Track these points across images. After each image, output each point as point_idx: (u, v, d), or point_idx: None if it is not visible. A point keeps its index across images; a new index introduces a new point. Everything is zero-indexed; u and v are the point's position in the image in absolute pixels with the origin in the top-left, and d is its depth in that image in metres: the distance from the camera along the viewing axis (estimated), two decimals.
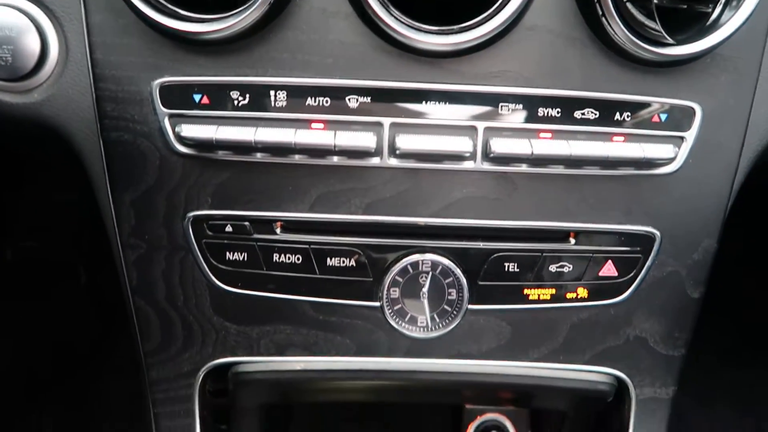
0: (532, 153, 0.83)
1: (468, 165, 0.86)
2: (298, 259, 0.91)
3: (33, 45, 0.84)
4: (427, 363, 0.96)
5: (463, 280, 0.92)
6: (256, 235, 0.90)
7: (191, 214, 0.89)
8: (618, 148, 0.85)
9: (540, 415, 1.26)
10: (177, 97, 0.83)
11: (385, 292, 0.92)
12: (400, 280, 0.92)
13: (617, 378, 1.01)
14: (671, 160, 0.87)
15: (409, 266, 0.91)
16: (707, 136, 0.88)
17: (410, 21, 0.77)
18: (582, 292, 0.94)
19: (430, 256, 0.91)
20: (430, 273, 0.92)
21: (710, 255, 0.95)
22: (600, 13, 0.78)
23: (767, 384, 2.06)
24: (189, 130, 0.83)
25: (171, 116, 0.84)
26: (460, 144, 0.84)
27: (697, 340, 1.03)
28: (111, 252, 0.96)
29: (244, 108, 0.83)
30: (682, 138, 0.87)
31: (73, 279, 2.16)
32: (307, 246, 0.90)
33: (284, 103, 0.83)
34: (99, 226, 0.96)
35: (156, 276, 0.93)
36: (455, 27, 0.78)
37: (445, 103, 0.84)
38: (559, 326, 0.96)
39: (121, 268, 0.94)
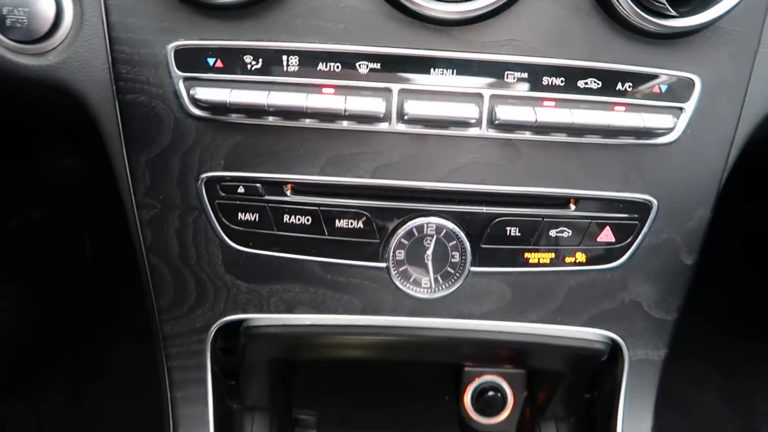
0: (536, 120, 0.86)
1: (473, 131, 0.89)
2: (308, 220, 0.93)
3: (48, 8, 0.85)
4: (429, 322, 1.00)
5: (467, 244, 0.95)
6: (267, 197, 0.93)
7: (204, 175, 0.92)
8: (619, 117, 0.87)
9: (536, 377, 1.30)
10: (191, 60, 0.85)
11: (391, 253, 0.95)
12: (406, 242, 0.95)
13: (612, 340, 1.05)
14: (670, 130, 0.90)
15: (414, 229, 0.94)
16: (706, 108, 0.90)
17: None
18: (580, 257, 0.98)
19: (434, 220, 0.94)
20: (435, 236, 0.94)
21: (704, 223, 0.98)
22: None
23: (754, 356, 2.11)
24: (203, 93, 0.85)
25: (186, 79, 0.86)
26: (467, 110, 0.86)
27: (687, 313, 1.07)
28: (124, 213, 0.99)
29: (257, 72, 0.85)
30: (681, 109, 0.90)
31: (80, 246, 2.18)
32: (316, 208, 0.93)
33: (296, 68, 0.85)
34: (111, 189, 0.98)
35: (170, 235, 0.96)
36: None
37: (453, 70, 0.86)
38: (557, 289, 1.00)
39: (135, 228, 0.97)
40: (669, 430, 1.83)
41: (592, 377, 1.16)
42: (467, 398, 1.32)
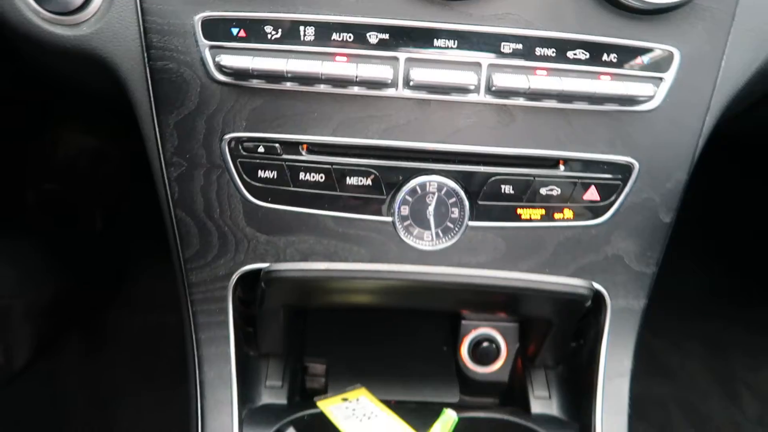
0: (529, 87, 0.93)
1: (472, 97, 0.96)
2: (321, 177, 1.01)
3: None
4: (431, 269, 1.08)
5: (465, 200, 1.03)
6: (284, 156, 1.00)
7: (228, 136, 0.99)
8: (604, 85, 0.95)
9: (527, 330, 1.39)
10: (217, 30, 0.92)
11: (396, 209, 1.03)
12: (410, 199, 1.03)
13: (596, 290, 1.13)
14: (651, 98, 0.97)
15: (417, 187, 1.02)
16: (684, 78, 0.98)
17: None
18: (568, 213, 1.05)
19: (436, 178, 1.02)
20: (436, 193, 1.03)
21: (681, 185, 1.06)
22: None
23: (735, 330, 2.20)
24: (228, 60, 0.92)
25: (211, 47, 0.93)
26: (466, 78, 0.94)
27: (669, 291, 1.12)
28: (150, 174, 1.07)
29: (276, 41, 0.93)
30: (661, 78, 0.97)
31: (94, 216, 2.26)
32: (329, 166, 1.01)
33: (312, 38, 0.93)
34: (130, 158, 1.05)
35: (195, 191, 1.03)
36: None
37: (455, 41, 0.93)
38: (546, 243, 1.08)
39: (162, 184, 1.05)
40: (655, 394, 1.94)
41: (577, 325, 1.25)
42: (464, 349, 1.39)
